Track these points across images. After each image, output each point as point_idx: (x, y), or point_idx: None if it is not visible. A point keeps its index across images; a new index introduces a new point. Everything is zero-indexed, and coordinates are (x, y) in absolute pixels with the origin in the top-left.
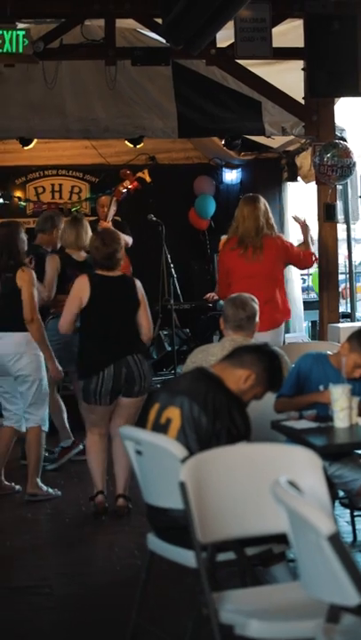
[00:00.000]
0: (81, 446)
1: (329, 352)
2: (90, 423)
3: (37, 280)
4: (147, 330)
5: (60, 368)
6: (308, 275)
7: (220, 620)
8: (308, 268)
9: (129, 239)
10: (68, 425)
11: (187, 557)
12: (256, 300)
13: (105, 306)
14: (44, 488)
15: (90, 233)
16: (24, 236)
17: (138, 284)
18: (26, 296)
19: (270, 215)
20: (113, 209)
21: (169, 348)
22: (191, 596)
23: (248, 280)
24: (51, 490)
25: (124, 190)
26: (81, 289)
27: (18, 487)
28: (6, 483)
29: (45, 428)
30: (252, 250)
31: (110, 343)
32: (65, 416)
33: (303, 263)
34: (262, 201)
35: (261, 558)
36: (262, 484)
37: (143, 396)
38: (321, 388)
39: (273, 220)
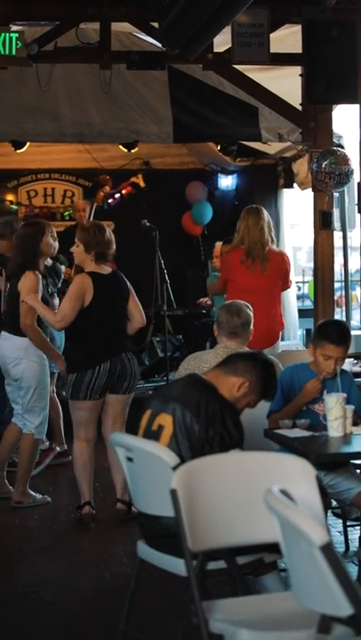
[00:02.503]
0: (58, 449)
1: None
2: (77, 423)
3: None
4: (139, 317)
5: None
6: (303, 282)
7: (210, 629)
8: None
9: None
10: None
11: (177, 565)
12: (250, 306)
13: (104, 304)
14: (33, 495)
15: (56, 240)
16: (50, 240)
17: (126, 280)
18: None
19: (272, 227)
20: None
21: (161, 355)
22: (181, 604)
23: (251, 294)
24: (39, 496)
25: (116, 195)
26: (84, 289)
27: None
28: (8, 485)
29: (40, 436)
30: (259, 262)
31: (108, 339)
32: None
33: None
34: (265, 212)
35: (252, 567)
36: (255, 493)
37: (130, 394)
38: None
39: (273, 233)
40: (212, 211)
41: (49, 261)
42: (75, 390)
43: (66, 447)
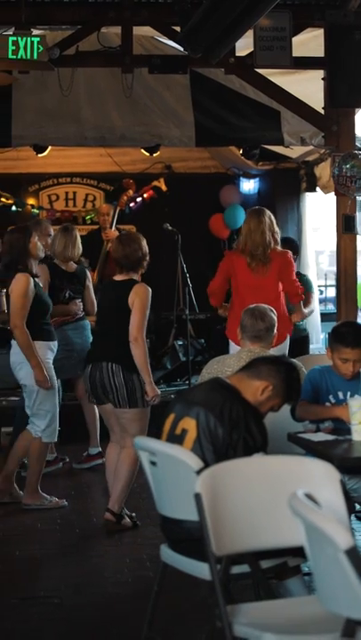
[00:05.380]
0: (61, 464)
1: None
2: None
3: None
4: (132, 328)
5: (46, 376)
6: (325, 286)
7: (235, 633)
8: (293, 300)
9: None
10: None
11: (201, 570)
12: (275, 310)
13: (101, 309)
14: (43, 497)
15: (80, 244)
16: (36, 241)
17: (139, 289)
18: (13, 302)
19: (276, 229)
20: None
21: (183, 359)
22: (204, 608)
23: (255, 293)
24: (52, 499)
25: (138, 199)
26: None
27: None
28: (18, 490)
29: (47, 439)
30: (260, 264)
31: (94, 345)
32: None
33: (293, 292)
34: (268, 214)
35: (276, 571)
36: (279, 497)
37: (132, 409)
38: (331, 398)
39: (278, 235)
40: (243, 214)
41: (73, 266)
42: None
43: (100, 449)
